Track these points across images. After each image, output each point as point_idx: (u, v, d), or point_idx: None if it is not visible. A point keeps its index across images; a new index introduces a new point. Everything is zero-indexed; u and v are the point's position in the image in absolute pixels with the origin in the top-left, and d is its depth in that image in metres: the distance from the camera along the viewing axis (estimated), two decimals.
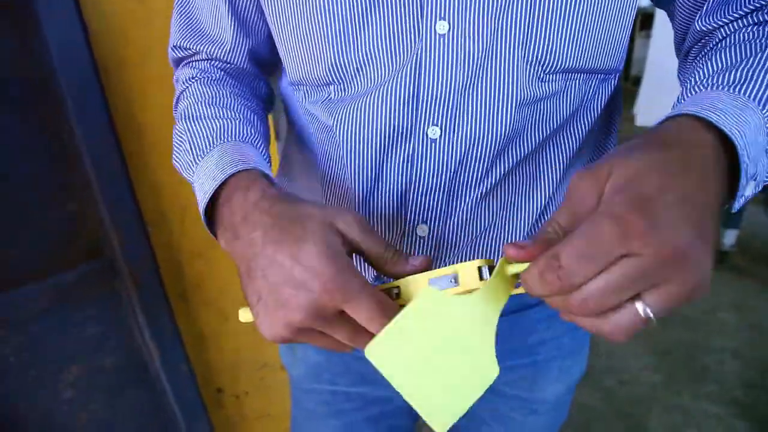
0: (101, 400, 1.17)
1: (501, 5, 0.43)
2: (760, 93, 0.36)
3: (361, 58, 0.46)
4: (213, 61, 0.58)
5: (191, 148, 0.49)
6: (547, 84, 0.47)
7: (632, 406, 1.79)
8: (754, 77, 0.37)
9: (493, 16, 0.43)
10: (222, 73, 0.58)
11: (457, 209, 0.50)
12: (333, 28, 0.45)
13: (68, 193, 0.99)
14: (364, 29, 0.44)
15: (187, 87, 0.56)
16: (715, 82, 0.38)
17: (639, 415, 1.75)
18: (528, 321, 0.63)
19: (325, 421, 0.74)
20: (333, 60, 0.46)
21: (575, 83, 0.48)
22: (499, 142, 0.47)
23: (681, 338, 2.09)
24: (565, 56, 0.45)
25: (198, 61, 0.59)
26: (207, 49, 0.57)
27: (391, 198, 0.51)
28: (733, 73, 0.38)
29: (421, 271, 0.40)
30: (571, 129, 0.52)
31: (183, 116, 0.53)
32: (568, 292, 0.30)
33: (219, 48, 0.57)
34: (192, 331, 1.21)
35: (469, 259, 0.54)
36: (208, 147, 0.48)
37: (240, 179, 0.44)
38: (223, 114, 0.52)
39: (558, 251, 0.30)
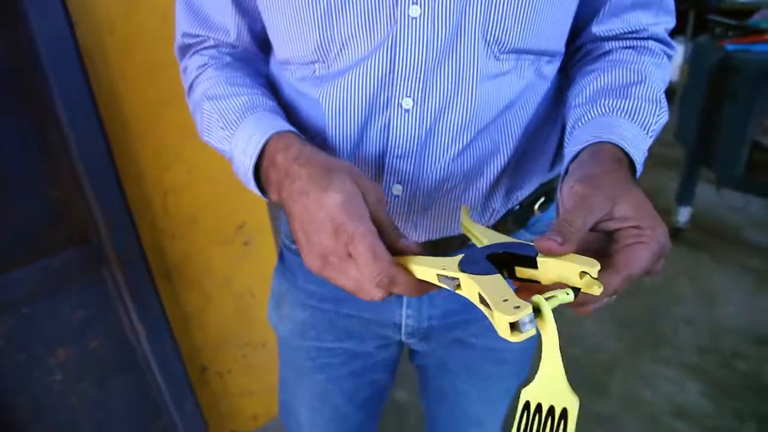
0: (90, 382, 1.20)
1: None
2: (647, 122, 0.53)
3: (343, 38, 0.52)
4: (220, 47, 0.64)
5: (224, 123, 0.56)
6: (502, 63, 0.54)
7: (596, 372, 1.90)
8: (643, 107, 0.53)
9: (459, 1, 0.50)
10: (230, 58, 0.64)
11: (428, 172, 0.57)
12: (317, 10, 0.51)
13: (54, 181, 1.02)
14: (345, 11, 0.50)
15: (201, 72, 0.62)
16: (617, 106, 0.53)
17: (602, 381, 1.86)
18: None
19: (311, 376, 0.80)
20: (318, 40, 0.52)
21: (526, 63, 0.56)
22: (464, 113, 0.54)
23: (641, 308, 2.21)
24: (518, 37, 0.53)
25: (206, 48, 0.64)
26: (214, 35, 0.62)
27: (369, 162, 0.58)
28: (628, 102, 0.53)
29: (410, 253, 0.45)
30: (524, 103, 0.59)
31: (206, 97, 0.59)
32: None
33: (224, 34, 0.62)
34: (176, 311, 1.25)
35: (438, 216, 0.61)
36: (240, 119, 0.55)
37: (278, 141, 0.51)
38: (244, 91, 0.58)
39: (631, 273, 0.41)
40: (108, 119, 1.00)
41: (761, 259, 2.50)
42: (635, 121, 0.52)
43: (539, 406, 0.38)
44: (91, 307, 1.15)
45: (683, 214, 2.61)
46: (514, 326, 0.35)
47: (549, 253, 0.40)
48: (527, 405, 0.38)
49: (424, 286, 0.44)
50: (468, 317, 0.72)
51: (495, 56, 0.53)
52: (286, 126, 0.53)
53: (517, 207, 0.66)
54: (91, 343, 1.18)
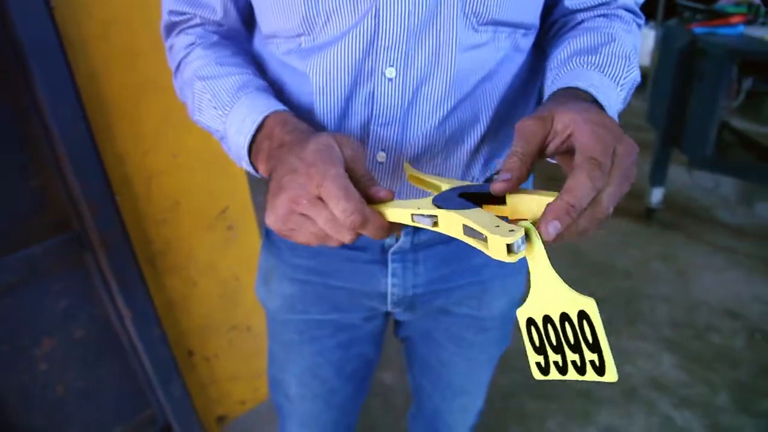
0: (77, 370, 1.20)
1: None
2: (616, 75, 0.55)
3: (328, 11, 0.54)
4: (206, 26, 0.65)
5: (216, 103, 0.58)
6: (480, 34, 0.57)
7: None
8: (612, 62, 0.55)
9: None
10: (217, 36, 0.65)
11: (411, 140, 0.60)
12: None
13: (35, 170, 1.02)
14: None
15: (189, 52, 0.63)
16: (587, 61, 0.55)
17: None
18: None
19: (299, 349, 0.81)
20: (303, 13, 0.54)
21: (503, 35, 0.59)
22: (445, 82, 0.57)
23: (617, 288, 2.27)
24: (495, 9, 0.55)
25: (192, 27, 0.65)
26: (201, 12, 0.63)
27: (355, 131, 0.60)
28: (598, 57, 0.55)
29: (382, 198, 0.47)
30: (502, 74, 0.62)
31: (198, 77, 0.60)
32: (600, 190, 0.41)
33: (211, 12, 0.63)
34: (161, 297, 1.25)
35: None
36: (233, 98, 0.57)
37: (276, 117, 0.54)
38: (235, 70, 0.60)
39: (592, 154, 0.41)
40: (88, 104, 1.00)
41: (731, 237, 2.59)
42: (605, 74, 0.54)
43: (547, 318, 0.40)
44: (75, 295, 1.15)
45: (656, 195, 2.68)
46: (509, 249, 0.37)
47: (504, 192, 0.43)
48: (531, 321, 0.41)
49: (394, 226, 0.46)
50: (450, 285, 0.75)
51: (473, 27, 0.56)
52: (280, 105, 0.56)
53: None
54: (76, 331, 1.18)
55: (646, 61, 4.01)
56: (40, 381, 1.16)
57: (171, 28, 0.67)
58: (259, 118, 0.54)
